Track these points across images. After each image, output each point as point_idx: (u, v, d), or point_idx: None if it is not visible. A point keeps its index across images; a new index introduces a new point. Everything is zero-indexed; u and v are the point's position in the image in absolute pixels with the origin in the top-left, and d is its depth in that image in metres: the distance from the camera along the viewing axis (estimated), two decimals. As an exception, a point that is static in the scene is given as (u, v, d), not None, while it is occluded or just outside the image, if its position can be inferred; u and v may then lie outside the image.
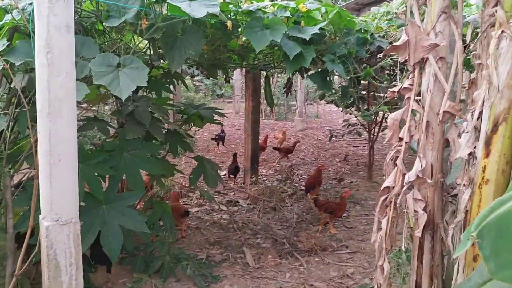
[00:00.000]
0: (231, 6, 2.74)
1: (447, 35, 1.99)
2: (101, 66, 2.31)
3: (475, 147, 1.86)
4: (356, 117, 4.75)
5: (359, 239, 4.35)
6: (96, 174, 2.83)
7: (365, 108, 5.48)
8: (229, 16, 2.71)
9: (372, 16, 3.81)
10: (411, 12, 2.12)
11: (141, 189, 3.03)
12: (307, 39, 2.78)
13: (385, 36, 3.58)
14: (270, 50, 3.60)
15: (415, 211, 2.07)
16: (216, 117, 3.97)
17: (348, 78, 3.21)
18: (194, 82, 16.10)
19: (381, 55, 2.68)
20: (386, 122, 5.89)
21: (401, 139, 2.10)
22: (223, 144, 8.78)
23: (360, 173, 7.03)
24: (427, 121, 2.03)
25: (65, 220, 2.15)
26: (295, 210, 5.18)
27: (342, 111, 6.11)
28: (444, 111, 1.98)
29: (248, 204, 5.43)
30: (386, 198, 2.12)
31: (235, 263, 3.80)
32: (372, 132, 6.32)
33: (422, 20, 2.06)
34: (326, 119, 13.65)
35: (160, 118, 3.38)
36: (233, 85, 14.96)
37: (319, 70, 3.18)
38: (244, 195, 5.72)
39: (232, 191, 5.92)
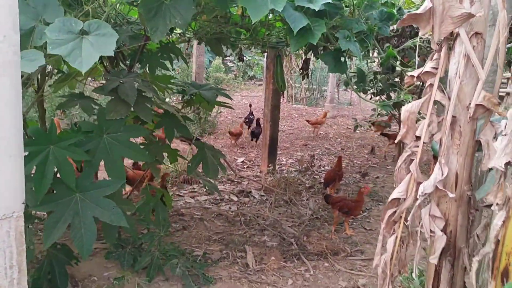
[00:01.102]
0: (228, -33, 2.29)
1: (487, 3, 1.49)
2: (60, 32, 1.92)
3: (516, 155, 1.38)
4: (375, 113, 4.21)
5: (377, 244, 3.87)
6: (67, 158, 2.47)
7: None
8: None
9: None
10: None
11: (121, 177, 2.66)
12: (317, 10, 2.31)
13: (417, 13, 3.05)
14: (284, 25, 3.14)
15: (431, 231, 1.61)
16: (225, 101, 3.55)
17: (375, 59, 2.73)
18: (226, 62, 15.72)
19: (395, 26, 2.19)
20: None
21: (418, 138, 1.63)
22: (249, 128, 8.32)
23: (388, 167, 6.49)
24: (453, 117, 1.56)
25: (3, 214, 1.79)
26: (310, 205, 4.74)
27: (370, 98, 5.60)
28: (477, 105, 1.50)
29: (261, 195, 5.02)
30: (395, 212, 1.66)
31: (234, 263, 3.42)
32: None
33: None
34: (359, 107, 13.01)
35: (152, 97, 2.99)
36: (263, 66, 14.47)
37: (333, 49, 2.70)
38: (258, 185, 5.31)
39: (246, 180, 5.53)
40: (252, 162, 6.54)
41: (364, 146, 7.83)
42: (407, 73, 1.66)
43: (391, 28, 2.72)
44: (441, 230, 1.58)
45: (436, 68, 1.57)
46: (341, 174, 5.08)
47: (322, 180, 5.35)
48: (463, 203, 1.60)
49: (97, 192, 2.55)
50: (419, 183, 1.61)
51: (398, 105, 4.80)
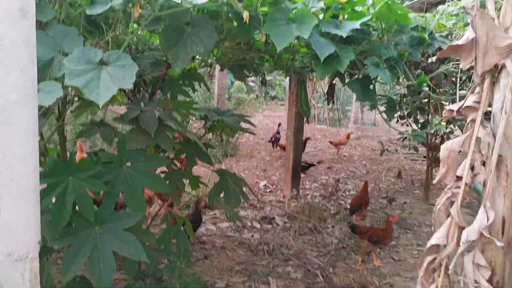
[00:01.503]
0: (252, -6, 2.22)
1: (536, 32, 1.37)
2: (79, 63, 1.87)
3: None
4: (403, 136, 4.04)
5: (408, 276, 3.68)
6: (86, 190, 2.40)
7: (423, 121, 4.79)
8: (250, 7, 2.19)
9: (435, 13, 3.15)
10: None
11: (141, 209, 2.58)
12: (344, 37, 2.21)
13: (449, 36, 2.92)
14: (308, 50, 3.04)
15: (476, 282, 1.46)
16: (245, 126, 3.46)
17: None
18: (248, 82, 15.71)
19: (433, 58, 2.06)
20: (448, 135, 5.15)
21: (458, 178, 1.49)
22: (276, 146, 8.50)
23: (415, 192, 6.28)
24: (500, 156, 1.42)
25: (18, 255, 1.71)
26: (336, 233, 4.57)
27: (397, 122, 5.43)
28: (527, 143, 1.36)
29: (284, 222, 4.88)
30: (434, 259, 1.52)
31: (257, 296, 3.28)
32: (431, 145, 5.58)
33: (498, 11, 1.45)
34: (384, 127, 12.77)
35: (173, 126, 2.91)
36: (285, 86, 14.43)
37: (361, 76, 2.59)
38: (282, 211, 5.17)
39: (268, 206, 5.39)
40: (274, 186, 6.41)
41: (390, 169, 7.62)
42: (445, 107, 1.54)
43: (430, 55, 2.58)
44: (487, 281, 1.43)
45: (479, 102, 1.44)
46: (367, 200, 4.91)
47: (348, 206, 5.19)
48: (511, 250, 1.45)
49: (116, 225, 2.47)
50: (461, 228, 1.46)
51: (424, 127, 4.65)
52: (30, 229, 1.74)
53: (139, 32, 2.34)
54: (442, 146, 1.48)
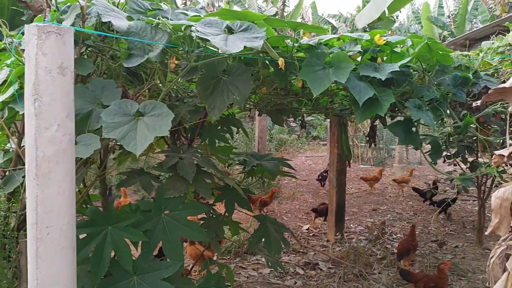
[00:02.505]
0: (288, 41, 2.21)
1: None
2: (116, 115, 1.89)
3: None
4: (450, 180, 3.86)
5: (464, 328, 3.43)
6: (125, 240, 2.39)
7: (472, 160, 4.58)
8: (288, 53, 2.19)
9: (478, 51, 3.05)
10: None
11: (180, 258, 2.53)
12: (383, 80, 2.15)
13: (495, 74, 2.80)
14: (347, 93, 2.99)
15: None
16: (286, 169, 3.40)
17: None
18: (289, 123, 15.73)
19: (478, 102, 1.96)
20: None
21: (514, 229, 1.37)
22: (324, 185, 8.79)
23: (468, 235, 5.95)
24: (560, 206, 1.30)
25: (54, 310, 1.70)
26: (383, 279, 4.35)
27: (444, 161, 5.23)
28: None
29: (328, 268, 4.71)
30: (492, 319, 1.38)
31: None
32: (483, 186, 5.32)
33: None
34: (430, 166, 12.35)
35: (212, 172, 2.90)
36: (327, 126, 14.35)
37: (403, 119, 2.49)
38: (325, 257, 5.00)
39: (312, 251, 5.23)
40: (318, 229, 6.24)
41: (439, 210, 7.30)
42: (495, 152, 1.44)
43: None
44: None
45: (532, 147, 1.34)
46: (416, 244, 4.70)
47: (395, 250, 4.97)
48: None
49: (155, 275, 2.44)
50: (520, 284, 1.33)
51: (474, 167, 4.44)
52: (65, 282, 1.74)
53: (177, 82, 2.37)
54: (493, 195, 1.37)
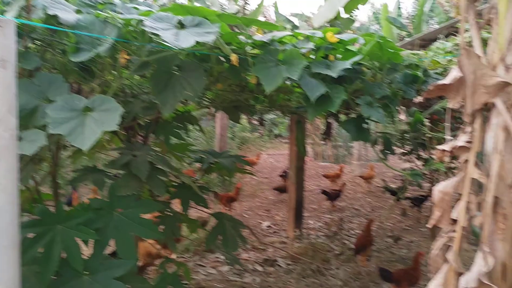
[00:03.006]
0: (241, 37, 2.20)
1: (526, 69, 1.32)
2: (63, 111, 1.84)
3: None
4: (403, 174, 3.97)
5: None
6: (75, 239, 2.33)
7: (426, 158, 4.71)
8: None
9: (428, 50, 3.14)
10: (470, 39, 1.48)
11: (133, 256, 2.49)
12: (336, 77, 2.18)
13: (443, 73, 2.89)
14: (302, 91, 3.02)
15: (478, 333, 1.36)
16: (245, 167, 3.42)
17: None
18: (252, 121, 15.75)
19: (420, 98, 2.03)
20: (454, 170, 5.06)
21: (454, 221, 1.41)
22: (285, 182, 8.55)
23: (422, 230, 6.11)
24: (495, 198, 1.35)
25: (-5, 312, 1.64)
26: (340, 275, 4.42)
27: (400, 159, 5.36)
28: (523, 184, 1.29)
29: (287, 264, 4.74)
30: (433, 309, 1.42)
31: None
32: (435, 182, 5.48)
33: (486, 48, 1.41)
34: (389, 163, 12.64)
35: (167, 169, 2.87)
36: (288, 124, 14.46)
37: (355, 116, 2.54)
38: (285, 253, 5.04)
39: (271, 247, 5.26)
40: (278, 226, 6.28)
41: (396, 206, 7.48)
42: (437, 147, 1.48)
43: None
44: (490, 332, 1.33)
45: (471, 142, 1.38)
46: (372, 239, 4.80)
47: (352, 246, 5.06)
48: (514, 298, 1.36)
49: (107, 274, 2.38)
50: (459, 274, 1.38)
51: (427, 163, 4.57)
52: (7, 284, 1.68)
53: (127, 78, 2.33)
54: (434, 189, 1.42)
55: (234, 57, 2.07)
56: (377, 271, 4.01)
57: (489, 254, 1.34)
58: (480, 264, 1.34)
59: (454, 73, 1.33)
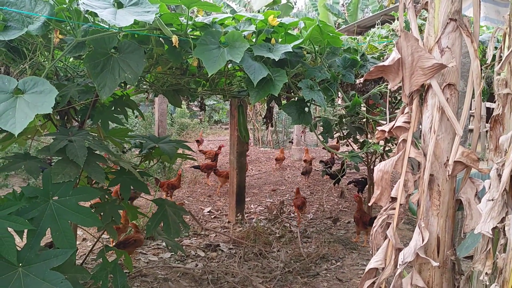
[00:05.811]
0: (182, 18, 2.16)
1: (458, 53, 1.38)
2: (-9, 92, 1.72)
3: (503, 219, 1.23)
4: (342, 158, 4.10)
5: (354, 297, 3.66)
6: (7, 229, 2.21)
7: (363, 140, 4.86)
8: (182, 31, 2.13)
9: (366, 35, 3.22)
10: (407, 22, 1.52)
11: (71, 245, 2.41)
12: (277, 60, 2.19)
13: (380, 58, 2.99)
14: (244, 75, 3.01)
15: (415, 304, 1.43)
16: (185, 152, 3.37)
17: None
18: (191, 107, 15.59)
19: (361, 80, 2.09)
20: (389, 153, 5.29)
21: (393, 199, 1.47)
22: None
23: (359, 211, 6.34)
24: (431, 175, 1.41)
25: None
26: (281, 257, 4.51)
27: (337, 142, 5.51)
28: (455, 161, 1.36)
29: (229, 248, 4.77)
30: (374, 283, 1.48)
31: (201, 330, 3.13)
32: (372, 165, 5.69)
33: (422, 32, 1.46)
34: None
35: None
36: (228, 110, 14.45)
37: (296, 99, 2.57)
38: (227, 238, 5.06)
39: (213, 232, 5.27)
40: (220, 211, 6.30)
41: (334, 189, 7.71)
42: (377, 127, 1.53)
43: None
44: (426, 302, 1.40)
45: (409, 122, 1.44)
46: (304, 199, 5.76)
47: (293, 229, 5.19)
48: (447, 270, 1.44)
49: (43, 265, 2.29)
50: (398, 250, 1.44)
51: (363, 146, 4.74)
52: None
53: (62, 59, 2.22)
54: (375, 168, 1.47)
55: (174, 39, 2.02)
56: None
57: (424, 229, 1.41)
58: (417, 239, 1.40)
59: (393, 55, 1.37)
